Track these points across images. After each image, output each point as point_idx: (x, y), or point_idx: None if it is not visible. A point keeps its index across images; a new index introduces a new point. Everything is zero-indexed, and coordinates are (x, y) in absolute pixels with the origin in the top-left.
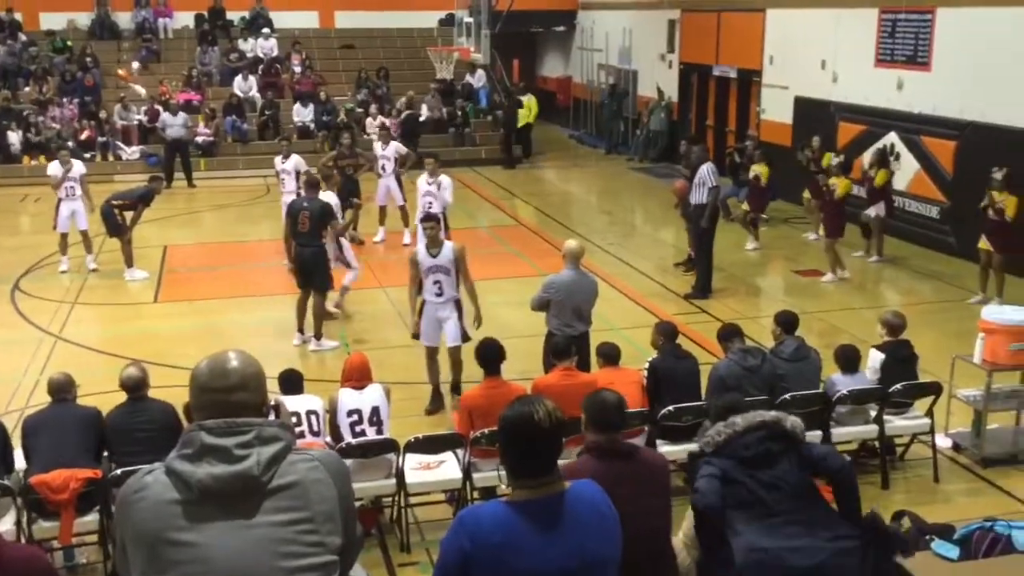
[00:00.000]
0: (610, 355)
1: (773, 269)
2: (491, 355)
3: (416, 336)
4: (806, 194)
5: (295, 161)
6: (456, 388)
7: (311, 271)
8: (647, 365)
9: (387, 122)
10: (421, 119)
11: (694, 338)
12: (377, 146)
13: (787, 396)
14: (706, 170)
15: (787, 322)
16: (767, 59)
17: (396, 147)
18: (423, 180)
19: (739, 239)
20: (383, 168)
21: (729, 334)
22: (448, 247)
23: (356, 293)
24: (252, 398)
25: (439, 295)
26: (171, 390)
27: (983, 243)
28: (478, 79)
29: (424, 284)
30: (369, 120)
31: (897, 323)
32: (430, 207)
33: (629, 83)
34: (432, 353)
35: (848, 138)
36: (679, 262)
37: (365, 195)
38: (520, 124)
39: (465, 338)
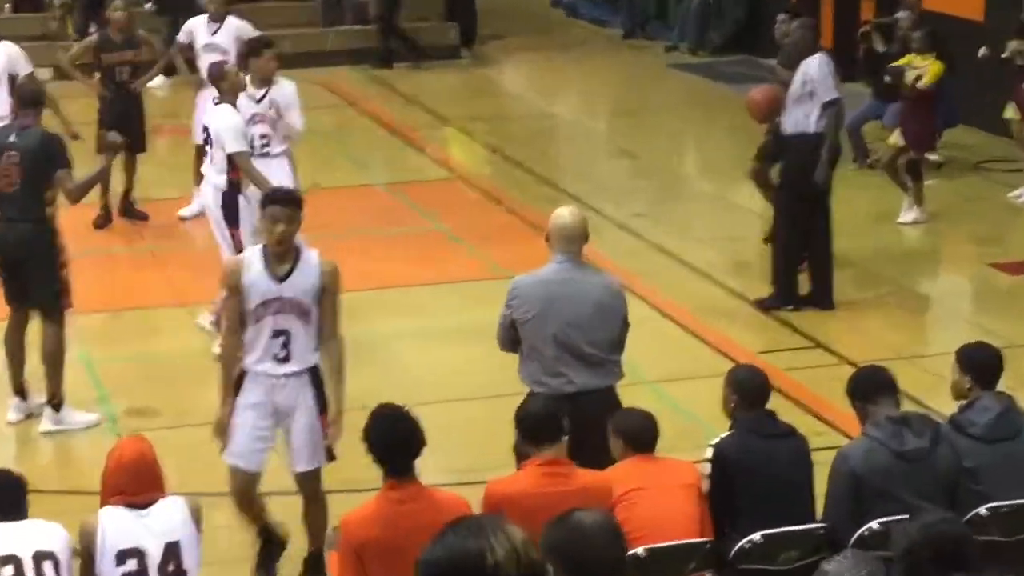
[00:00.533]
0: (639, 436)
1: (952, 260)
2: (393, 439)
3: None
4: (1011, 111)
5: (6, 54)
6: (315, 562)
7: (26, 272)
8: (710, 452)
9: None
10: None
11: (800, 397)
12: (196, 27)
13: (982, 510)
14: (816, 66)
15: (982, 365)
16: None
17: (235, 26)
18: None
19: (886, 202)
20: (208, 72)
21: (869, 389)
22: (311, 264)
23: (143, 318)
24: None
25: (283, 360)
26: None
27: None
28: None
29: (252, 337)
30: None
31: None
32: (265, 147)
33: None
34: (249, 485)
35: None
36: (769, 236)
37: (156, 122)
38: None
39: (330, 457)
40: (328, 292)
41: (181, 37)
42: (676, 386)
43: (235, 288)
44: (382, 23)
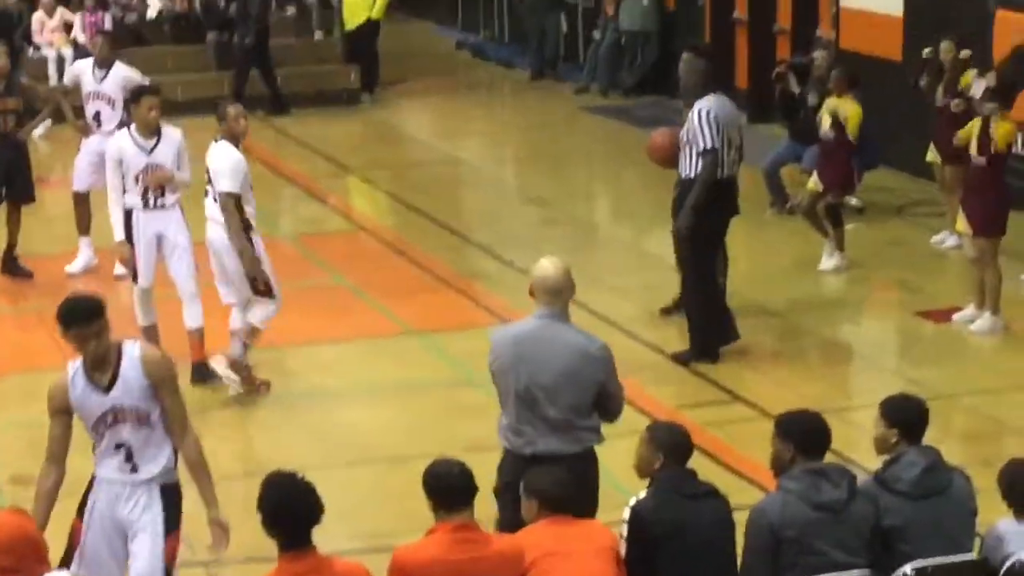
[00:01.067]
0: (552, 496)
1: (876, 308)
2: (287, 509)
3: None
4: (932, 155)
5: None
6: None
7: None
8: (627, 513)
9: (81, 20)
10: (148, 16)
11: (720, 453)
12: (82, 71)
13: (908, 568)
14: (702, 114)
15: (907, 418)
16: None
17: (122, 75)
18: (125, 139)
19: (807, 249)
20: (96, 117)
21: (810, 441)
22: (133, 361)
23: (28, 382)
24: None
25: (131, 469)
26: None
27: None
28: None
29: (99, 452)
30: (40, 16)
31: None
32: (160, 199)
33: None
34: None
35: (1010, 42)
36: (667, 306)
37: (44, 171)
38: (354, 22)
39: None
40: (163, 387)
41: (67, 80)
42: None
43: (62, 411)
44: (258, 64)
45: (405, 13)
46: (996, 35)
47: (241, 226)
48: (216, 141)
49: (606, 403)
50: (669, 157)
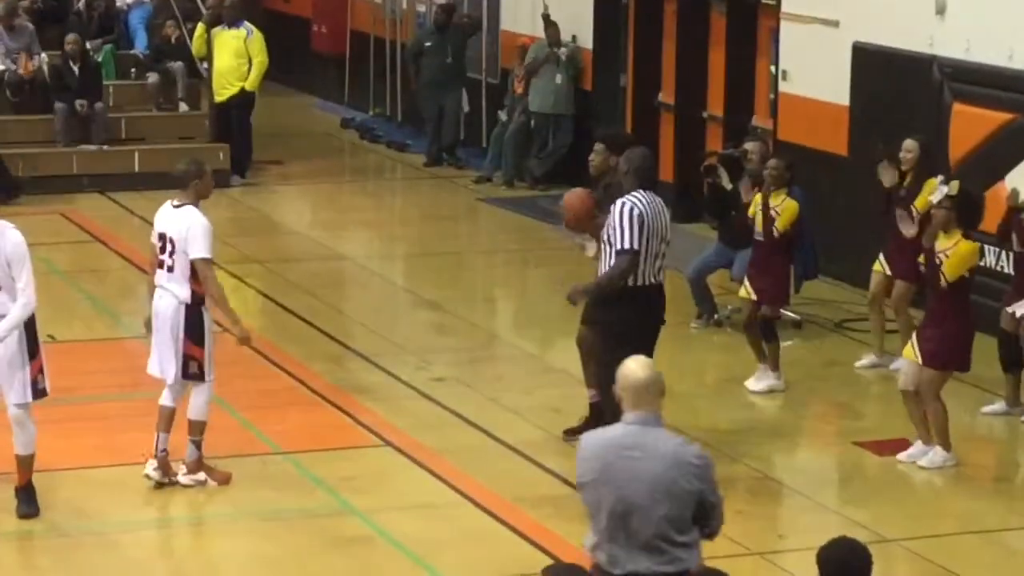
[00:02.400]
0: None
1: (813, 437)
2: None
3: None
4: (880, 266)
5: None
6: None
7: None
8: None
9: None
10: None
11: None
12: None
13: None
14: (624, 210)
15: (843, 568)
16: None
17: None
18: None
19: (735, 367)
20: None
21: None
22: None
23: None
24: None
25: None
26: None
27: None
28: None
29: None
30: None
31: None
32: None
33: (482, 5)
34: None
35: (971, 139)
36: (573, 427)
37: None
38: (225, 94)
39: None
40: None
41: None
42: None
43: None
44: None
45: (284, 85)
46: (953, 130)
47: (223, 294)
48: (176, 206)
49: (706, 517)
50: (583, 219)
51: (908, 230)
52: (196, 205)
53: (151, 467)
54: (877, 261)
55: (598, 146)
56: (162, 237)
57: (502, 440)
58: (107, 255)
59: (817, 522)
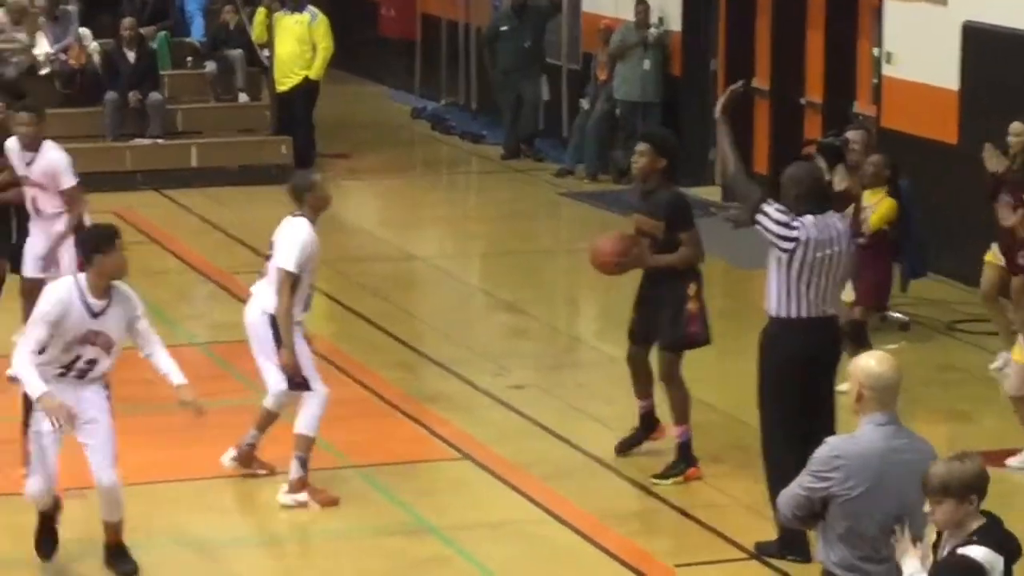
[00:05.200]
0: None
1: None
2: None
3: None
4: (992, 255)
5: None
6: None
7: None
8: None
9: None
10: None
11: None
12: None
13: None
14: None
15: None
16: None
17: (50, 158)
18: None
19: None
20: (32, 202)
21: None
22: None
23: None
24: None
25: None
26: None
27: None
28: None
29: None
30: None
31: None
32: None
33: None
34: None
35: None
36: (625, 440)
37: None
38: (287, 83)
39: None
40: None
41: None
42: None
43: None
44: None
45: (350, 73)
46: None
47: (286, 313)
48: (293, 216)
49: None
50: (609, 267)
51: (1007, 219)
52: (311, 219)
53: (229, 456)
54: (989, 251)
55: (642, 146)
56: (271, 244)
57: (586, 451)
58: (164, 256)
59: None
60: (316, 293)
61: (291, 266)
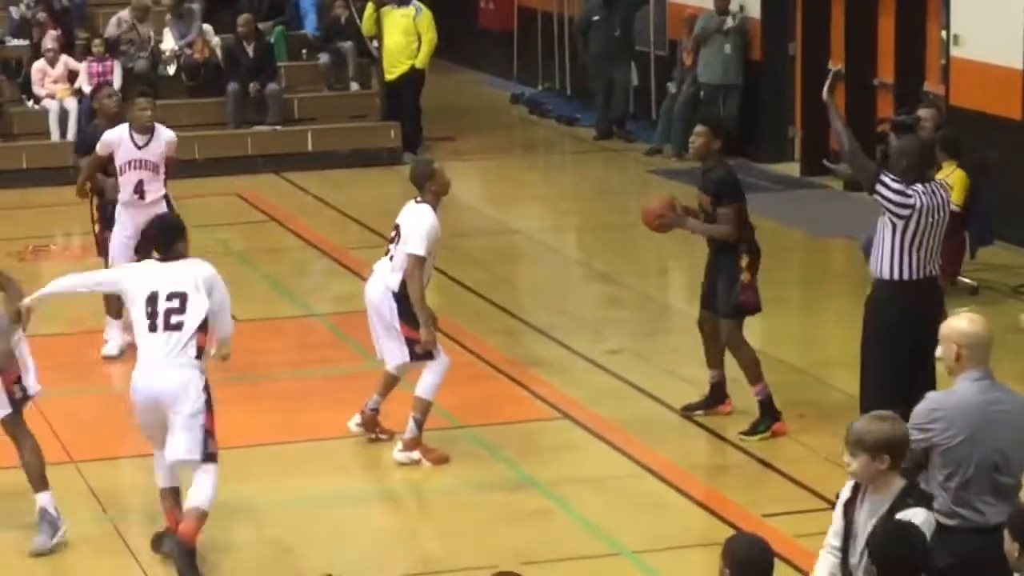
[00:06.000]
0: None
1: None
2: None
3: None
4: None
5: None
6: None
7: None
8: None
9: (87, 69)
10: (168, 69)
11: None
12: (120, 137)
13: None
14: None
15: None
16: None
17: (165, 137)
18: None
19: None
20: (136, 187)
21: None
22: None
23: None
24: None
25: None
26: None
27: None
28: None
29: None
30: (41, 66)
31: None
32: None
33: None
34: None
35: None
36: (692, 404)
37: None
38: (395, 72)
39: None
40: None
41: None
42: (661, 557)
43: None
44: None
45: (453, 62)
46: None
47: (420, 296)
48: (417, 202)
49: None
50: (653, 225)
51: None
52: (433, 205)
53: (354, 421)
54: None
55: (700, 128)
56: (396, 228)
57: (678, 410)
58: (283, 234)
59: None
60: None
61: (421, 251)
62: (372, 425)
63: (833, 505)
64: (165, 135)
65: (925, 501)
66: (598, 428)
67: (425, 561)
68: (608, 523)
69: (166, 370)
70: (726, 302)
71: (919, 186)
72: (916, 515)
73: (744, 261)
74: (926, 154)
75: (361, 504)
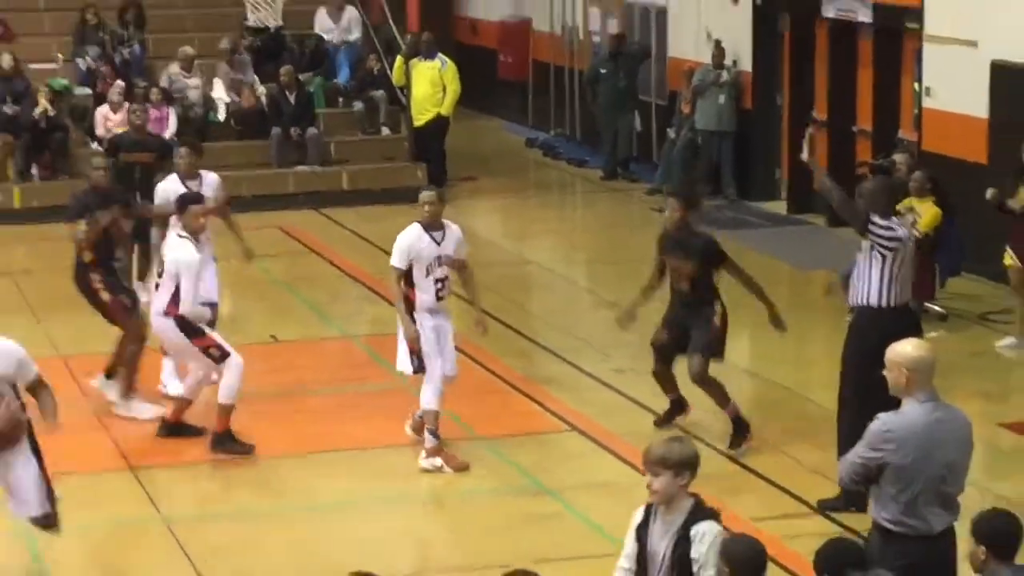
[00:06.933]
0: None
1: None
2: None
3: None
4: (1010, 258)
5: None
6: None
7: None
8: None
9: (145, 115)
10: (218, 115)
11: (800, 570)
12: (174, 186)
13: None
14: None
15: (994, 536)
16: None
17: (210, 181)
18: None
19: None
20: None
21: (836, 561)
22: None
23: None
24: None
25: None
26: None
27: None
28: (342, 27)
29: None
30: (104, 111)
31: None
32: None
33: (651, 34)
34: None
35: None
36: (662, 415)
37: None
38: (422, 119)
39: None
40: None
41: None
42: None
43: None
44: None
45: (474, 110)
46: None
47: (401, 298)
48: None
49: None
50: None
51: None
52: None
53: (408, 426)
54: (1006, 254)
55: (673, 201)
56: None
57: (677, 424)
58: (320, 263)
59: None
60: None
61: (393, 263)
62: (421, 429)
63: (814, 510)
64: (209, 178)
65: (713, 515)
66: (604, 439)
67: (445, 559)
68: (613, 525)
69: None
70: (703, 343)
71: (895, 219)
72: (709, 528)
73: (719, 310)
74: (896, 193)
75: (389, 506)
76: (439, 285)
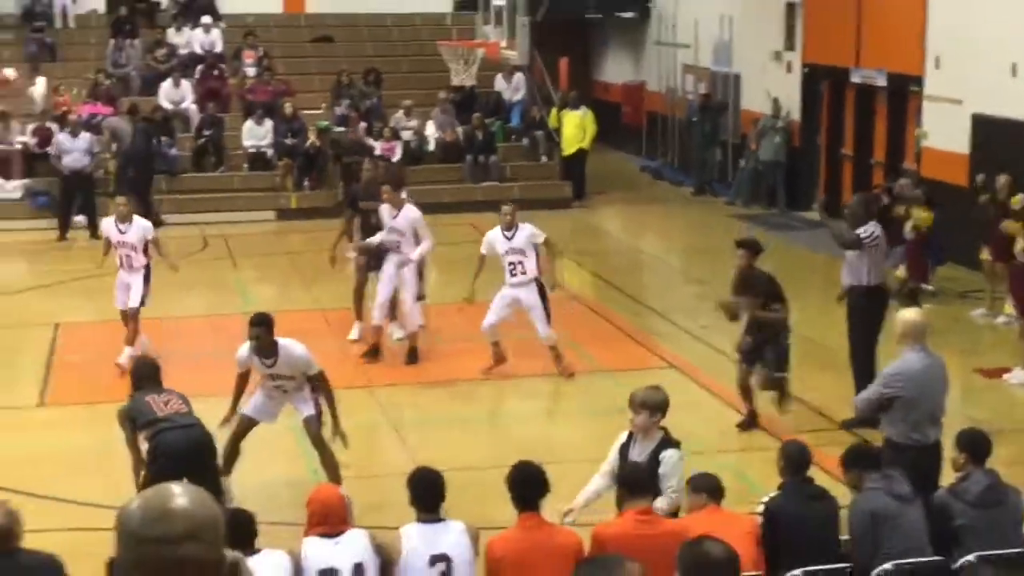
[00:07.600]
0: (710, 491)
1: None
2: (529, 484)
3: None
4: (985, 254)
5: (140, 229)
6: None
7: None
8: (761, 507)
9: (378, 146)
10: (428, 146)
11: (831, 468)
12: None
13: (971, 557)
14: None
15: (975, 445)
16: (931, 60)
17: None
18: (498, 234)
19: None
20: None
21: (860, 460)
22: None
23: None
24: (206, 553)
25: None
26: (59, 535)
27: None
28: (514, 86)
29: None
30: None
31: None
32: (514, 271)
33: (729, 93)
34: None
35: None
36: (743, 421)
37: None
38: (569, 150)
39: None
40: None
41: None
42: (737, 457)
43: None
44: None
45: (606, 145)
46: None
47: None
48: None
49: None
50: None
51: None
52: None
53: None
54: (983, 251)
55: (740, 252)
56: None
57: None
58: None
59: (950, 422)
60: (585, 271)
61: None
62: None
63: (840, 427)
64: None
65: (676, 444)
66: (693, 374)
67: (586, 451)
68: (699, 433)
69: None
70: (775, 363)
71: (870, 224)
72: (672, 453)
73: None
74: (869, 204)
75: (546, 418)
76: (512, 267)
